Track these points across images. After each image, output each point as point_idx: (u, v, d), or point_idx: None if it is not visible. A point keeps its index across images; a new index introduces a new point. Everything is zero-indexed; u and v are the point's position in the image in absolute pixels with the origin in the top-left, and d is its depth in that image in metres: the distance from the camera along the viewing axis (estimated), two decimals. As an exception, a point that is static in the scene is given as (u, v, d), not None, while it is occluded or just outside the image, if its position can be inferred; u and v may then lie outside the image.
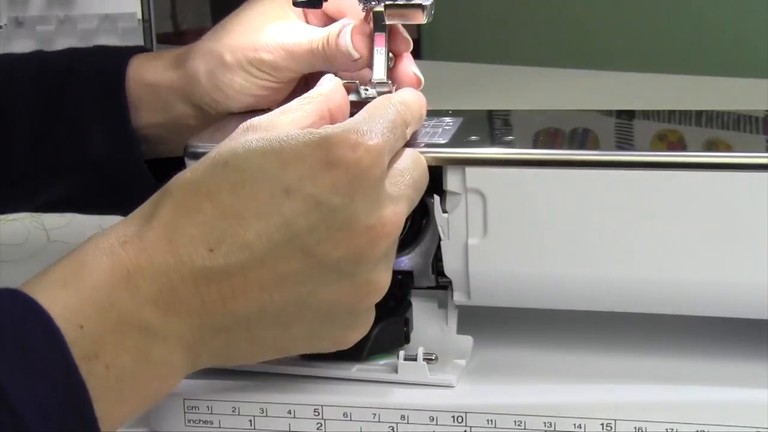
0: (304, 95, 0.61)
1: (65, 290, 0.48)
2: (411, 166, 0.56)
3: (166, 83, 0.71)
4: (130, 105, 0.72)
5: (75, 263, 0.49)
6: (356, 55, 0.65)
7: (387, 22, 0.65)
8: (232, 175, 0.51)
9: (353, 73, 0.69)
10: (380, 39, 0.65)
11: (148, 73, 0.72)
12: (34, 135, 0.73)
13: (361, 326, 0.55)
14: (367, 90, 0.64)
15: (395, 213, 0.53)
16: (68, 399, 0.45)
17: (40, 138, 0.73)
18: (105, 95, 0.72)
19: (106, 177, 0.73)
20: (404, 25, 0.66)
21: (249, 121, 0.56)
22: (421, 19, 0.64)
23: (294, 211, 0.50)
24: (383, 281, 0.54)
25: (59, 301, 0.47)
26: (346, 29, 0.65)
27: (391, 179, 0.54)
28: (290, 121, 0.56)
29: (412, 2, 0.64)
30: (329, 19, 0.70)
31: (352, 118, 0.55)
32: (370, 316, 0.55)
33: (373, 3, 0.65)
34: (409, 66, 0.66)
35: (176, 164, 0.76)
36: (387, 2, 0.64)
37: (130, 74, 0.72)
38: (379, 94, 0.64)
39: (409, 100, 0.59)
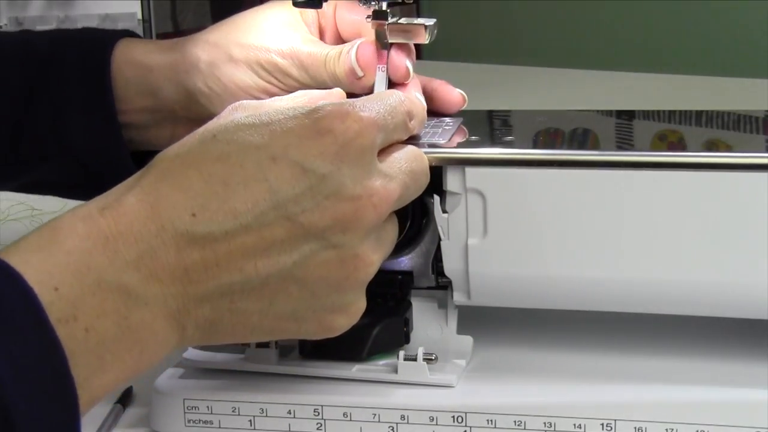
0: (302, 90, 0.61)
1: (38, 254, 0.47)
2: (410, 157, 0.56)
3: (158, 64, 0.70)
4: (115, 86, 0.71)
5: (50, 230, 0.48)
6: (360, 73, 0.65)
7: (390, 41, 0.64)
8: (220, 147, 0.51)
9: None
10: (383, 57, 0.65)
11: (139, 53, 0.71)
12: (16, 119, 0.72)
13: (349, 312, 0.54)
14: None
15: (385, 187, 0.53)
16: (43, 357, 0.44)
17: (22, 123, 0.72)
18: (88, 79, 0.71)
19: (88, 166, 0.72)
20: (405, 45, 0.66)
21: (239, 102, 0.56)
22: (424, 39, 0.64)
23: (280, 178, 0.50)
24: (371, 258, 0.53)
25: (32, 264, 0.46)
26: (352, 46, 0.65)
27: (386, 161, 0.54)
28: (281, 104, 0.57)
29: (415, 22, 0.64)
30: (343, 41, 0.69)
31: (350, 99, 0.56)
32: (359, 302, 0.54)
33: (373, 3, 0.65)
34: (449, 88, 0.67)
35: None
36: (389, 16, 0.64)
37: (118, 55, 0.71)
38: None
39: (414, 96, 0.60)
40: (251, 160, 0.50)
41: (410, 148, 0.57)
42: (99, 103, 0.71)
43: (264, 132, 0.51)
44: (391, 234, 0.56)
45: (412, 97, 0.59)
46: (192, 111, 0.70)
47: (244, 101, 0.56)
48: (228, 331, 0.52)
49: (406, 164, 0.55)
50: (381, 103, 0.55)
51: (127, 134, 0.72)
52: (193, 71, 0.69)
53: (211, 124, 0.53)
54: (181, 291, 0.49)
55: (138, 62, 0.71)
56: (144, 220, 0.49)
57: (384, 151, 0.55)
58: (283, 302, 0.52)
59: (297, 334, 0.55)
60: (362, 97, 0.55)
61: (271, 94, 0.67)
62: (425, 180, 0.57)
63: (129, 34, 0.74)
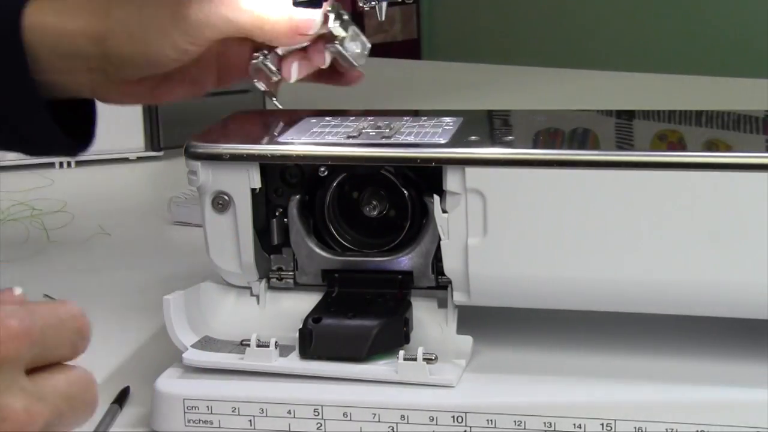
0: None
1: None
2: (73, 381, 0.45)
3: (72, 31, 0.69)
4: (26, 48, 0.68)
5: None
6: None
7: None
8: None
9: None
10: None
11: (51, 19, 0.69)
12: None
13: None
14: None
15: (27, 410, 0.42)
16: None
17: None
18: None
19: None
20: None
21: None
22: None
23: None
24: None
25: None
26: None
27: (39, 379, 0.44)
28: None
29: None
30: None
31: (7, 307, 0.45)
32: None
33: (373, 3, 0.65)
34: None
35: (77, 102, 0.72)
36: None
37: (27, 19, 0.69)
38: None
39: (85, 320, 0.47)
40: None
41: (78, 372, 0.46)
42: (9, 60, 0.68)
43: None
44: None
45: (84, 321, 0.47)
46: (109, 72, 0.69)
47: None
48: None
49: (66, 387, 0.45)
50: (46, 313, 0.44)
51: (43, 78, 0.69)
52: (110, 35, 0.68)
53: None
54: None
55: (51, 27, 0.69)
56: None
57: (41, 369, 0.45)
58: None
59: None
60: (27, 303, 0.45)
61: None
62: (88, 409, 0.46)
63: None
